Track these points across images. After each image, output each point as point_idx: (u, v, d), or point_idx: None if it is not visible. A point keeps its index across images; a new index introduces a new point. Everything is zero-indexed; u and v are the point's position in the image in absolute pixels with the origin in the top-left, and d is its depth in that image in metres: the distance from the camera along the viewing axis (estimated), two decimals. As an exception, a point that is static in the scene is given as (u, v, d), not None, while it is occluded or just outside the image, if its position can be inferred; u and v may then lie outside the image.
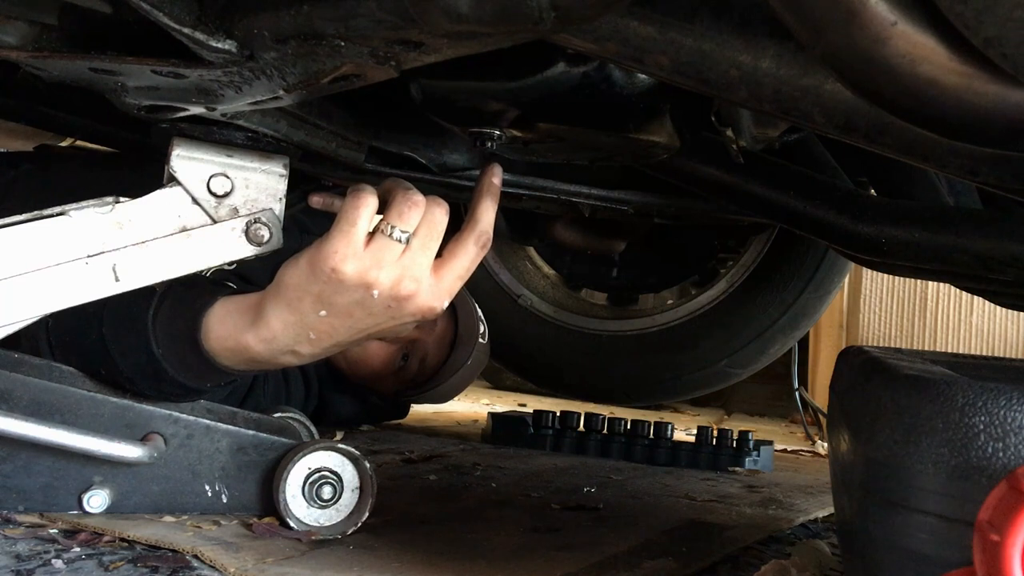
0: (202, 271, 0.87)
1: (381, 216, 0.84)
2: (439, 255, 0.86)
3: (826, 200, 0.96)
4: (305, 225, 1.31)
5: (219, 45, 0.62)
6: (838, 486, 0.68)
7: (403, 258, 0.83)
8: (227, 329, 0.85)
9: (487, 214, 0.88)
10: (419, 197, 0.84)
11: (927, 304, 2.37)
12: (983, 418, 0.49)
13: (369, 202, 0.83)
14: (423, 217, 0.84)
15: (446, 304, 0.87)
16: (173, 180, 0.85)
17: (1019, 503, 0.42)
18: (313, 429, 1.11)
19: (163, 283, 0.87)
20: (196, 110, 0.77)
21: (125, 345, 0.87)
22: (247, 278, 1.14)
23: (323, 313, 0.83)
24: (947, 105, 0.47)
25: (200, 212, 0.86)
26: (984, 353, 2.27)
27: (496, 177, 0.90)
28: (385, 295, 0.82)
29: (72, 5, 0.66)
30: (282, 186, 0.89)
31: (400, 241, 0.82)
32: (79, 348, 0.89)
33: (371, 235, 0.83)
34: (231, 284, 0.97)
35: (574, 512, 1.07)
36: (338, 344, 0.87)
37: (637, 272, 1.94)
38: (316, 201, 0.90)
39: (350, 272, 0.81)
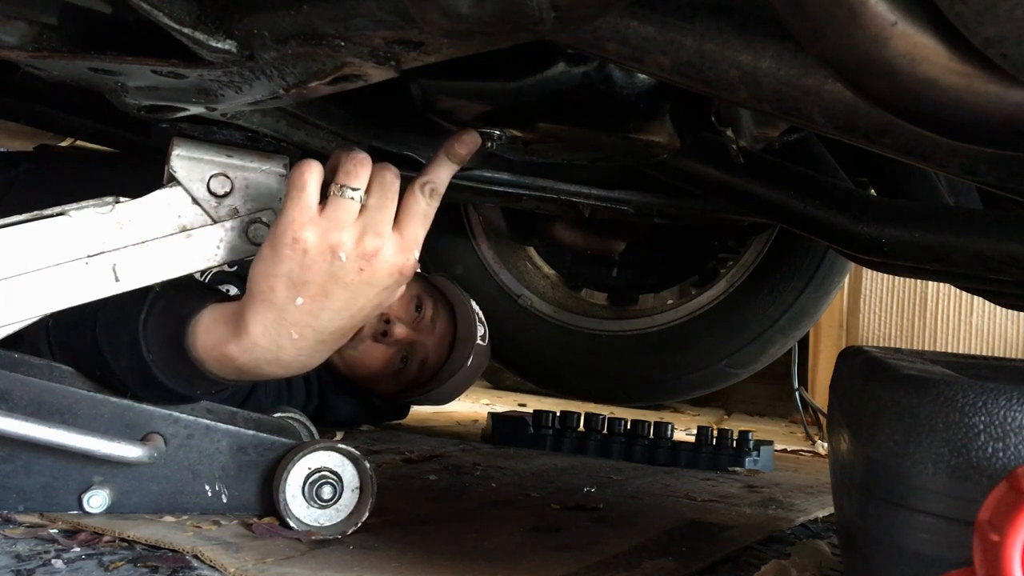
0: (202, 271, 0.87)
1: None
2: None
3: (826, 200, 0.96)
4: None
5: (219, 45, 0.62)
6: (838, 486, 0.68)
7: (362, 216, 0.81)
8: (212, 339, 0.84)
9: (438, 170, 0.85)
10: (363, 155, 0.82)
11: (927, 304, 2.37)
12: (983, 418, 0.49)
13: (313, 167, 0.81)
14: (372, 176, 0.82)
15: (416, 256, 0.85)
16: (173, 180, 0.85)
17: (1019, 503, 0.42)
18: (313, 429, 1.11)
19: (157, 285, 0.86)
20: (196, 110, 0.77)
21: (117, 348, 0.86)
22: (247, 279, 1.14)
23: (299, 301, 0.81)
24: (947, 105, 0.47)
25: (200, 212, 0.86)
26: (984, 353, 2.27)
27: (463, 146, 0.86)
28: (352, 256, 0.80)
29: (72, 5, 0.66)
30: (282, 186, 0.89)
31: (354, 199, 0.81)
32: (76, 349, 0.89)
33: (323, 201, 0.81)
34: (227, 287, 0.97)
35: (574, 512, 1.07)
36: (323, 341, 0.84)
37: (637, 272, 1.94)
38: None
39: (311, 238, 0.79)
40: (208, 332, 0.84)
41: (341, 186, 0.80)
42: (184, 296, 0.88)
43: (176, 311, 0.86)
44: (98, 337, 0.86)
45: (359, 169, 0.81)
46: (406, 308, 1.50)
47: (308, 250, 0.79)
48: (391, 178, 0.83)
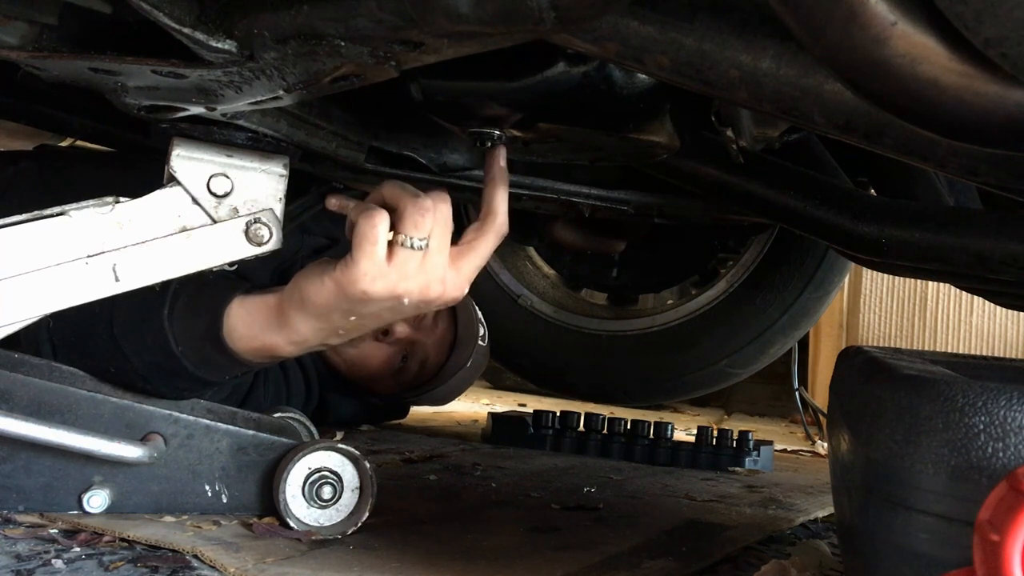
0: (202, 271, 0.87)
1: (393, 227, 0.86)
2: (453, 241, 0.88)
3: (826, 200, 0.96)
4: (305, 225, 1.31)
5: (219, 45, 0.62)
6: (838, 486, 0.68)
7: (424, 263, 0.85)
8: (252, 330, 0.89)
9: (502, 203, 0.89)
10: (427, 202, 0.85)
11: (927, 304, 2.37)
12: (983, 418, 0.49)
13: (382, 218, 0.84)
14: (435, 219, 0.85)
15: (467, 290, 0.90)
16: (173, 180, 0.85)
17: (1019, 503, 0.42)
18: (313, 429, 1.11)
19: (174, 281, 0.87)
20: (196, 110, 0.77)
21: (140, 345, 0.88)
22: (247, 278, 1.14)
23: (353, 319, 0.87)
24: (947, 105, 0.47)
25: (200, 212, 0.86)
26: (984, 353, 2.27)
27: (502, 160, 0.90)
28: (415, 301, 0.86)
29: (72, 5, 0.66)
30: (282, 186, 0.89)
31: (419, 249, 0.84)
32: (86, 348, 0.89)
33: (390, 247, 0.84)
34: (238, 279, 0.97)
35: (574, 512, 1.07)
36: (366, 333, 0.94)
37: (637, 272, 1.93)
38: (333, 203, 0.92)
39: (380, 290, 0.84)
40: (245, 323, 0.89)
41: (409, 236, 0.84)
42: (209, 289, 0.91)
43: (205, 304, 0.89)
44: (116, 335, 0.88)
45: (425, 220, 0.84)
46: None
47: (375, 299, 0.84)
48: (448, 211, 0.87)
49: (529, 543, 0.90)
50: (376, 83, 0.68)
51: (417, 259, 0.84)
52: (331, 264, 0.85)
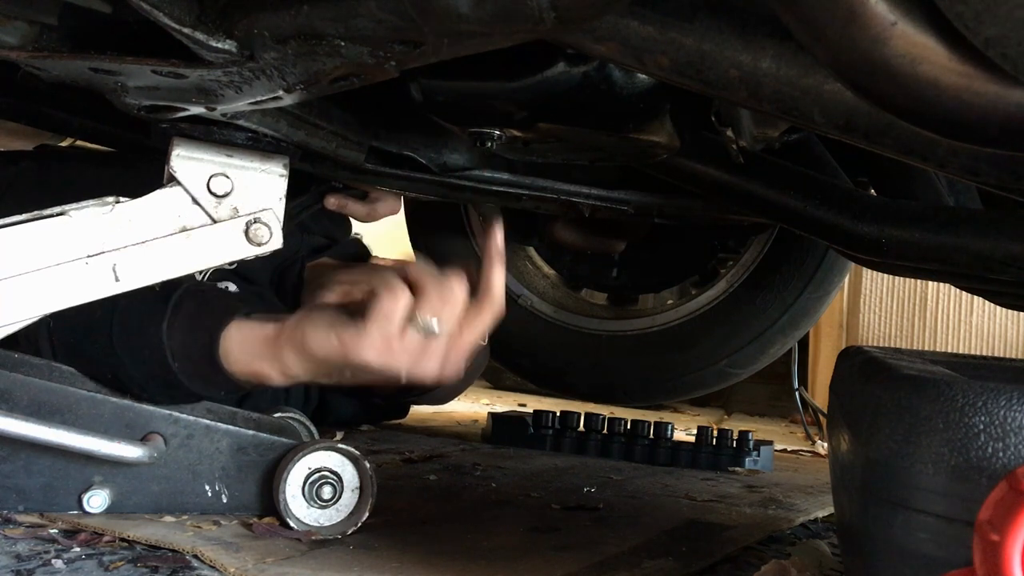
0: (202, 271, 0.87)
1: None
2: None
3: (826, 200, 0.96)
4: (305, 225, 1.31)
5: (219, 45, 0.62)
6: (838, 486, 0.68)
7: (430, 346, 0.88)
8: (246, 357, 0.90)
9: (500, 283, 0.92)
10: (451, 293, 0.89)
11: (927, 304, 2.37)
12: (983, 418, 0.49)
13: (406, 301, 0.87)
14: (452, 307, 0.89)
15: (462, 370, 0.92)
16: (173, 180, 0.85)
17: (1019, 503, 0.42)
18: (313, 429, 1.11)
19: (175, 293, 0.89)
20: (196, 110, 0.77)
21: (137, 354, 0.88)
22: (247, 278, 1.14)
23: (347, 374, 0.89)
24: (947, 105, 0.47)
25: (200, 212, 0.86)
26: (984, 353, 2.27)
27: (500, 238, 0.93)
28: (410, 376, 0.88)
29: (72, 5, 0.66)
30: (282, 186, 0.89)
31: (430, 333, 0.87)
32: (85, 352, 0.90)
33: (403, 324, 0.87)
34: (226, 284, 0.98)
35: (574, 512, 1.07)
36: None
37: (637, 272, 1.93)
38: (332, 203, 0.92)
39: (381, 363, 0.86)
40: (240, 349, 0.89)
41: (424, 320, 0.87)
42: (207, 308, 0.91)
43: (202, 325, 0.90)
44: (115, 342, 0.88)
45: (444, 308, 0.88)
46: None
47: (374, 368, 0.87)
48: (465, 299, 0.90)
49: (529, 543, 0.90)
50: (376, 83, 0.68)
51: (427, 344, 0.87)
52: (340, 321, 0.87)
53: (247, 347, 0.90)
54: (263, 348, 0.90)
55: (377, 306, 0.86)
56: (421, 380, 0.89)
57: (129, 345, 0.88)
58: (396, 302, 0.86)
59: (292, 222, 0.99)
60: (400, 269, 0.91)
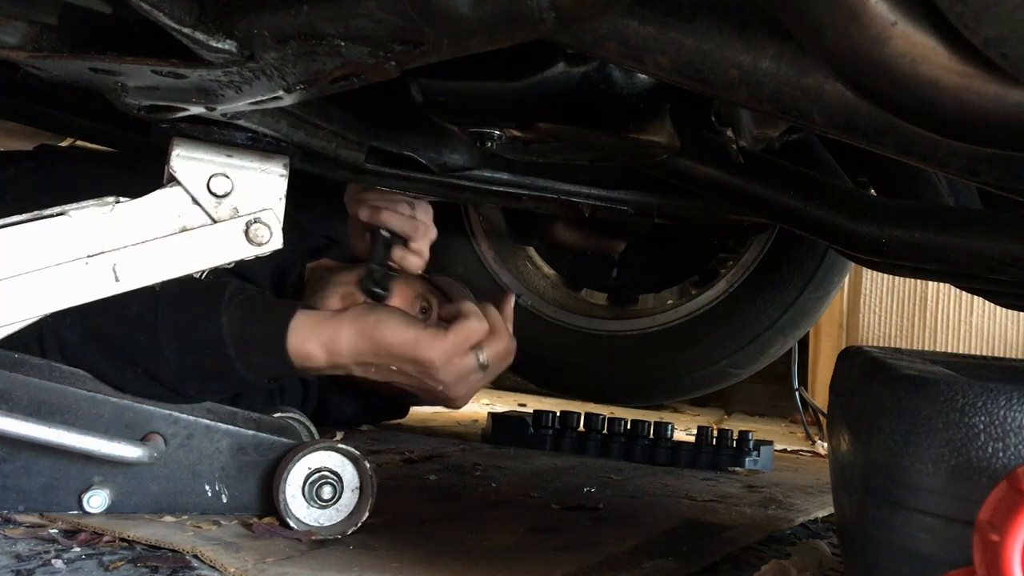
0: (202, 271, 0.87)
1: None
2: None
3: (826, 200, 0.96)
4: (304, 226, 1.31)
5: (219, 45, 0.62)
6: (838, 486, 0.68)
7: (472, 376, 1.04)
8: (308, 347, 0.98)
9: (501, 337, 1.08)
10: (513, 344, 1.08)
11: (927, 304, 2.37)
12: (983, 418, 0.49)
13: (484, 334, 1.04)
14: (504, 357, 1.07)
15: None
16: (173, 180, 0.85)
17: (1019, 503, 0.42)
18: (313, 429, 1.11)
19: (227, 289, 0.96)
20: (196, 110, 0.77)
21: (187, 346, 0.93)
22: (247, 278, 1.14)
23: (393, 368, 1.01)
24: (947, 105, 0.47)
25: (200, 212, 0.86)
26: (984, 353, 2.27)
27: (510, 307, 1.16)
28: (439, 392, 1.03)
29: (72, 5, 0.66)
30: (282, 186, 0.89)
31: (482, 367, 1.04)
32: (113, 346, 0.91)
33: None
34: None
35: (574, 512, 1.07)
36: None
37: (637, 272, 1.93)
38: (364, 215, 1.13)
39: (438, 371, 1.00)
40: (305, 342, 0.97)
41: (483, 356, 1.03)
42: (263, 298, 1.02)
43: (266, 313, 0.98)
44: (161, 336, 0.92)
45: (500, 355, 1.06)
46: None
47: (429, 372, 1.00)
48: (512, 356, 1.10)
49: (529, 543, 0.90)
50: (376, 83, 0.68)
51: (474, 372, 1.03)
52: (421, 322, 1.01)
53: (310, 338, 0.97)
54: (324, 337, 0.98)
55: (464, 322, 1.01)
56: (446, 399, 1.04)
57: (179, 337, 0.93)
58: (480, 329, 1.02)
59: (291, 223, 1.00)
60: (484, 307, 1.06)
